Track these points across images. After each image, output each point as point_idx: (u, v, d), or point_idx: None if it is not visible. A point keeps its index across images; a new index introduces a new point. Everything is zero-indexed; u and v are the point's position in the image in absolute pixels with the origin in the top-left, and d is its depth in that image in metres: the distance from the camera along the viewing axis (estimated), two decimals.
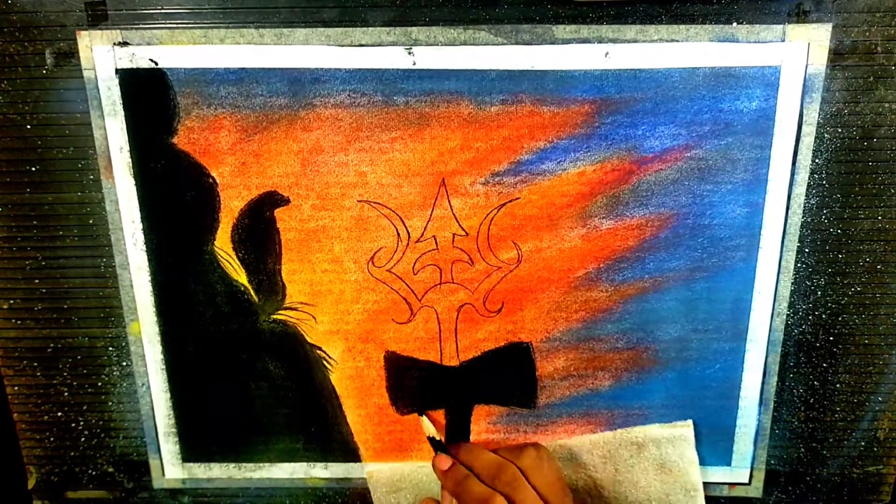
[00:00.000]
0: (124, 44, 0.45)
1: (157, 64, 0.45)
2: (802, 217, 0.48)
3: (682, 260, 0.49)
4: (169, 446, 0.54)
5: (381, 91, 0.46)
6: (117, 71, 0.45)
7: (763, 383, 0.52)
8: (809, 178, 0.47)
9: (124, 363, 0.53)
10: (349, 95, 0.46)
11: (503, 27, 0.44)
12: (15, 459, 0.56)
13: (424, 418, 0.52)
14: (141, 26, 0.45)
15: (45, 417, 0.55)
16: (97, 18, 0.45)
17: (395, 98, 0.46)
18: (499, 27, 0.44)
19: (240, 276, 0.50)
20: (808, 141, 0.46)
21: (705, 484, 0.54)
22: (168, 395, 0.53)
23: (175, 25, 0.45)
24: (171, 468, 0.55)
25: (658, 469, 0.53)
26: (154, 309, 0.51)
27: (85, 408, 0.54)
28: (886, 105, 0.46)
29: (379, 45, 0.45)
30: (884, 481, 0.55)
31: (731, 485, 0.55)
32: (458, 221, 0.48)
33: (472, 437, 0.54)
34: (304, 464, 0.55)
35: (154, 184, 0.48)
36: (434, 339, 0.51)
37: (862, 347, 0.52)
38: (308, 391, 0.53)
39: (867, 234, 0.49)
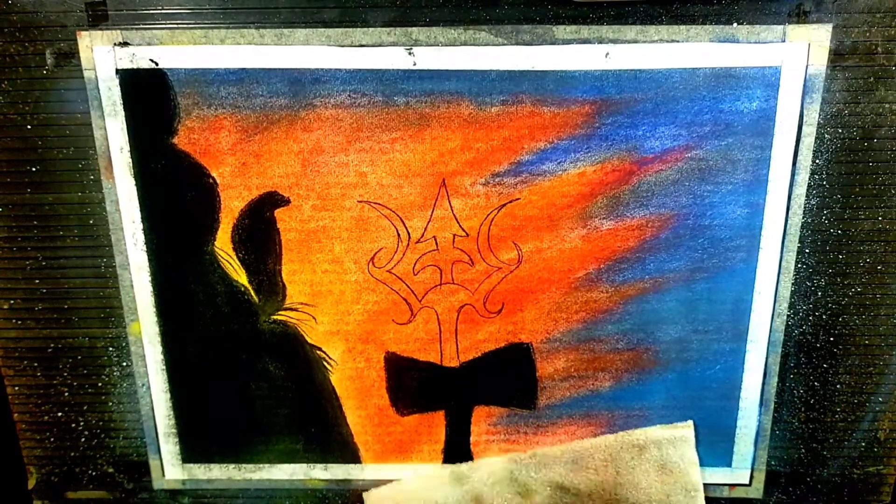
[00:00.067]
0: (125, 44, 0.45)
1: (157, 64, 0.45)
2: (803, 218, 0.48)
3: (683, 260, 0.49)
4: (169, 447, 0.54)
5: (381, 91, 0.46)
6: (118, 71, 0.45)
7: (763, 384, 0.52)
8: (810, 179, 0.47)
9: (124, 363, 0.53)
10: (349, 96, 0.46)
11: (503, 28, 0.44)
12: (15, 459, 0.56)
13: None
14: (141, 26, 0.45)
15: (46, 417, 0.55)
16: (97, 19, 0.45)
17: (396, 98, 0.46)
18: (499, 28, 0.44)
19: (240, 276, 0.50)
20: (809, 141, 0.46)
21: (705, 485, 0.54)
22: (168, 395, 0.53)
23: (175, 26, 0.45)
24: (171, 469, 0.55)
25: (659, 470, 0.53)
26: (154, 309, 0.51)
27: (85, 408, 0.54)
28: (887, 105, 0.46)
29: (379, 45, 0.45)
30: (884, 482, 0.55)
31: (732, 486, 0.55)
32: (458, 222, 0.48)
33: (473, 438, 0.54)
34: (304, 465, 0.55)
35: (154, 184, 0.48)
36: (434, 339, 0.51)
37: (862, 348, 0.52)
38: (308, 392, 0.53)
39: (867, 235, 0.49)
